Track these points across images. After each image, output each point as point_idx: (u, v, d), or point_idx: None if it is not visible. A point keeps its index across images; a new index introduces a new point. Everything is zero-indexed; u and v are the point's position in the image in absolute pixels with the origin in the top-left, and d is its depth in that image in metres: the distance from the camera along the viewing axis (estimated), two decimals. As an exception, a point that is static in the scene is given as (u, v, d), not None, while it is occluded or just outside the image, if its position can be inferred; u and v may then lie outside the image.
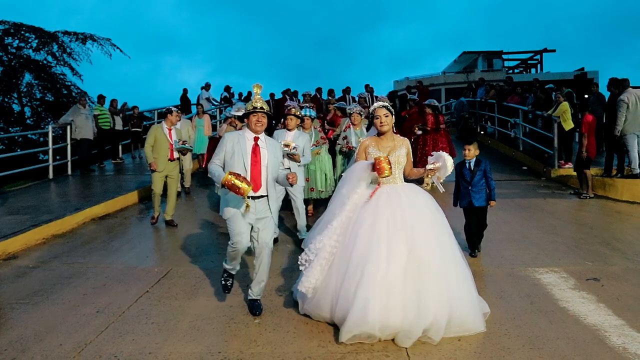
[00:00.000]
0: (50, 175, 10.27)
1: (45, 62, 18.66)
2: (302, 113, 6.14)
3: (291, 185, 3.72)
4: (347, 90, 14.46)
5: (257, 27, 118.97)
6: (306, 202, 6.39)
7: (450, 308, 3.26)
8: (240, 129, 4.25)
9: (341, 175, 4.42)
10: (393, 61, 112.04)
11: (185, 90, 16.26)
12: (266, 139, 3.80)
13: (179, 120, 8.08)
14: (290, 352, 3.18)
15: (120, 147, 12.69)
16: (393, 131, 3.82)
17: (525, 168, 10.86)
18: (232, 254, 3.68)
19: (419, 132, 9.21)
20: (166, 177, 6.70)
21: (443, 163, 3.68)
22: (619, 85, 8.28)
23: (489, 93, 14.19)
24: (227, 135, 3.77)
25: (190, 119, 10.46)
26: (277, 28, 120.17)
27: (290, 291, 4.15)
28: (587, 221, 6.69)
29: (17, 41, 18.20)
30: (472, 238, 5.18)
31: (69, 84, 19.28)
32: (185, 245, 5.88)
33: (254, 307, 3.79)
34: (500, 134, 13.63)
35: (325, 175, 6.77)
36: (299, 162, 5.51)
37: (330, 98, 12.69)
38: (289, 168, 5.50)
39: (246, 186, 3.34)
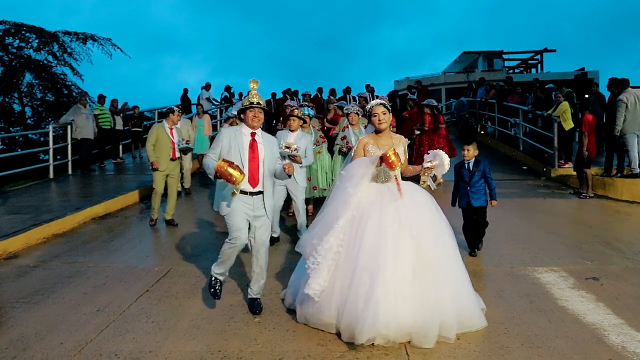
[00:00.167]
0: (51, 175, 10.30)
1: (45, 62, 18.71)
2: (303, 112, 6.15)
3: (289, 176, 3.69)
4: (347, 90, 14.49)
5: (257, 27, 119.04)
6: (306, 201, 6.40)
7: (456, 304, 3.30)
8: None
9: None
10: (393, 61, 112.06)
11: (185, 90, 16.29)
12: (263, 134, 3.79)
13: (180, 119, 8.11)
14: (290, 351, 3.18)
15: (120, 146, 12.71)
16: (390, 129, 3.81)
17: (525, 168, 10.88)
18: (228, 252, 3.62)
19: (417, 132, 9.23)
20: (167, 176, 6.71)
21: (440, 161, 3.68)
22: (618, 85, 8.30)
23: (489, 93, 14.21)
24: (223, 130, 3.77)
25: (191, 118, 10.47)
26: (277, 28, 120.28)
27: (281, 298, 4.03)
28: (587, 221, 6.70)
29: (17, 41, 18.26)
30: (471, 238, 5.18)
31: (70, 83, 19.36)
32: (185, 244, 5.90)
33: (254, 306, 3.80)
34: (500, 133, 13.65)
35: (326, 173, 6.80)
36: (301, 163, 5.51)
37: (331, 98, 12.71)
38: (291, 175, 5.51)
39: (239, 174, 3.31)
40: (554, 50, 25.65)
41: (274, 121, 14.82)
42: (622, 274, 4.59)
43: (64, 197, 8.47)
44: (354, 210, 3.44)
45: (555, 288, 4.23)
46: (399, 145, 3.72)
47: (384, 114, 3.61)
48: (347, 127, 6.96)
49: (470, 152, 5.14)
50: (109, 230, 6.65)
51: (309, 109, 6.79)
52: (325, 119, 9.06)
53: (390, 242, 3.28)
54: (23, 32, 18.18)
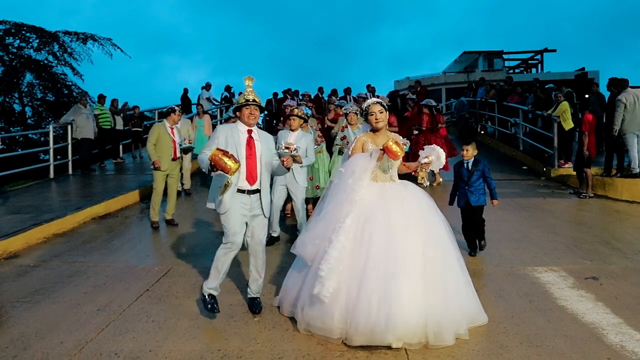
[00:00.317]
0: (51, 175, 10.31)
1: (46, 62, 18.73)
2: (303, 111, 6.14)
3: (287, 169, 3.66)
4: (347, 91, 14.53)
5: (257, 27, 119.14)
6: (307, 201, 6.41)
7: (462, 301, 3.33)
8: None
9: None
10: (393, 61, 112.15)
11: (185, 90, 16.29)
12: (258, 131, 3.77)
13: (180, 119, 8.12)
14: (290, 350, 3.19)
15: (120, 146, 12.73)
16: (386, 128, 3.76)
17: (525, 168, 10.88)
18: (223, 258, 3.59)
19: (415, 132, 9.24)
20: (167, 176, 6.72)
21: (436, 156, 3.66)
22: (618, 85, 8.31)
23: (489, 93, 14.22)
24: (220, 127, 3.75)
25: (191, 118, 10.48)
26: (278, 28, 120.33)
27: (277, 306, 3.86)
28: (587, 220, 6.70)
29: (18, 41, 18.28)
30: (471, 238, 5.19)
31: (70, 83, 19.38)
32: (185, 244, 5.91)
33: (254, 305, 3.81)
34: (500, 133, 13.66)
35: (326, 172, 6.80)
36: (301, 163, 5.51)
37: (332, 98, 12.74)
38: (290, 168, 5.50)
39: (233, 163, 3.25)
40: (554, 50, 25.66)
41: (274, 121, 14.84)
42: (622, 273, 4.59)
43: (64, 196, 8.48)
44: (359, 208, 3.35)
45: (555, 287, 4.24)
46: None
47: (381, 112, 3.57)
48: (347, 126, 6.96)
49: (470, 152, 5.15)
50: (109, 230, 6.66)
51: (307, 108, 6.80)
52: (326, 119, 9.07)
53: (400, 241, 3.23)
54: (23, 32, 18.20)
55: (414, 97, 11.17)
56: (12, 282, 4.64)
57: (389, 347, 3.11)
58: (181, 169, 7.72)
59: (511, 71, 25.53)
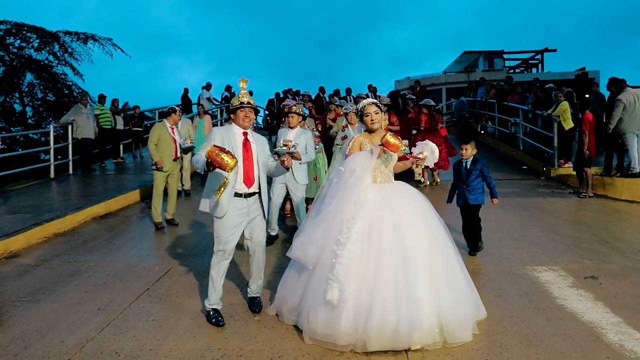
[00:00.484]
0: (52, 175, 10.32)
1: (46, 62, 18.74)
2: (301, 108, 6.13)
3: (287, 169, 3.63)
4: (348, 91, 14.55)
5: (257, 27, 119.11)
6: (307, 200, 6.41)
7: (467, 297, 3.37)
8: None
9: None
10: (394, 61, 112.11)
11: (186, 90, 16.31)
12: (253, 133, 3.74)
13: (180, 119, 8.11)
14: (289, 349, 3.20)
15: (121, 146, 12.74)
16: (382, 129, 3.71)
17: (525, 167, 10.89)
18: (216, 268, 3.57)
19: (414, 132, 9.26)
20: (167, 176, 6.73)
21: (429, 151, 3.63)
22: (618, 85, 8.34)
23: (489, 93, 14.22)
24: (215, 129, 3.69)
25: (191, 118, 10.50)
26: (278, 28, 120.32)
27: (275, 314, 3.71)
28: (586, 220, 6.71)
29: (18, 41, 18.29)
30: (470, 237, 5.20)
31: (70, 83, 19.39)
32: (185, 243, 5.92)
33: (254, 304, 3.82)
34: (500, 133, 13.66)
35: (326, 172, 6.82)
36: (300, 159, 5.50)
37: (335, 98, 12.78)
38: (289, 168, 5.50)
39: (231, 159, 3.15)
40: (555, 50, 25.60)
41: (274, 122, 14.85)
42: (621, 273, 4.60)
43: (64, 196, 8.49)
44: (364, 208, 3.29)
45: (554, 287, 4.25)
46: None
47: (377, 113, 3.52)
48: (347, 126, 6.98)
49: (468, 151, 5.15)
50: (110, 229, 6.67)
51: (304, 108, 6.81)
52: (328, 119, 9.08)
53: (408, 241, 3.21)
54: (24, 32, 18.21)
55: (414, 97, 11.19)
56: (12, 282, 4.65)
57: (407, 350, 3.08)
58: (181, 168, 7.73)
59: (511, 71, 25.51)
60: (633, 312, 3.68)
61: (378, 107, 3.57)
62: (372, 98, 12.79)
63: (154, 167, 6.60)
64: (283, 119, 6.31)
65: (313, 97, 13.84)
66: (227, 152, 3.19)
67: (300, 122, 5.77)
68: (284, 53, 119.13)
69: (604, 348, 3.16)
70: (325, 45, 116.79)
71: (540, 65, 25.89)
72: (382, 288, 3.07)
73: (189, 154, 8.54)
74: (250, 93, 18.71)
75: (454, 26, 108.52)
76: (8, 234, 5.78)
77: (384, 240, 3.19)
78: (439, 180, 9.25)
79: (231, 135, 3.61)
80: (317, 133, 7.04)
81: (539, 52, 25.79)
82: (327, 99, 13.55)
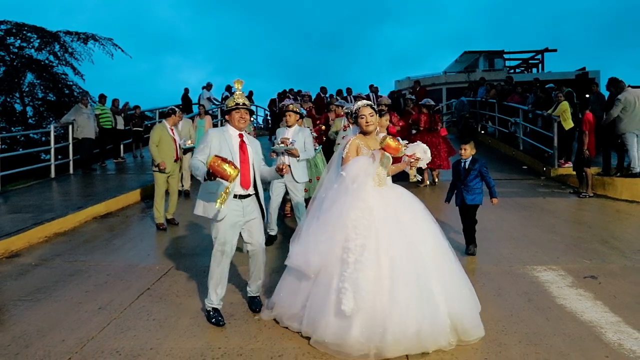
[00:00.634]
0: (52, 175, 10.34)
1: (47, 61, 18.75)
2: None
3: (282, 176, 3.60)
4: (349, 91, 14.56)
5: (258, 26, 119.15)
6: (307, 201, 6.42)
7: (469, 294, 3.37)
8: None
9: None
10: (395, 61, 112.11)
11: (186, 90, 16.32)
12: (248, 136, 3.71)
13: (181, 120, 8.12)
14: (290, 348, 3.21)
15: (121, 146, 12.75)
16: (377, 130, 3.68)
17: (525, 167, 10.90)
18: (216, 270, 3.55)
19: (414, 132, 9.27)
20: (168, 176, 6.74)
21: (421, 151, 3.60)
22: (617, 86, 8.37)
23: (489, 93, 14.23)
24: (210, 131, 3.64)
25: (192, 118, 10.51)
26: (279, 27, 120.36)
27: (275, 319, 3.59)
28: (586, 220, 6.72)
29: (19, 41, 18.30)
30: (469, 236, 5.20)
31: (71, 83, 19.39)
32: (186, 243, 5.93)
33: (254, 304, 3.83)
34: (500, 133, 13.67)
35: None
36: (298, 156, 5.50)
37: (337, 98, 12.81)
38: (289, 165, 5.51)
39: (233, 170, 3.11)
40: (555, 50, 25.59)
41: (276, 121, 14.85)
42: (621, 272, 4.61)
43: (65, 196, 8.51)
44: (370, 213, 3.23)
45: (554, 286, 4.26)
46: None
47: (371, 115, 3.46)
48: (348, 126, 6.98)
49: (467, 151, 5.14)
50: (110, 229, 6.68)
51: (302, 108, 6.84)
52: (330, 119, 9.09)
53: (417, 243, 3.20)
54: (24, 32, 18.22)
55: (413, 97, 11.20)
56: (13, 281, 4.67)
57: (423, 354, 3.06)
58: (180, 168, 7.74)
59: (512, 71, 25.51)
60: (632, 312, 3.69)
61: (373, 108, 3.50)
62: (373, 98, 12.85)
63: (156, 169, 6.59)
64: (283, 118, 6.31)
65: (313, 97, 13.85)
66: (229, 163, 3.15)
67: (297, 120, 5.78)
68: (285, 53, 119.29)
69: (603, 347, 3.17)
70: (327, 45, 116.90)
71: (540, 65, 25.89)
72: (398, 292, 3.01)
73: (189, 154, 8.56)
74: (251, 93, 18.77)
75: (456, 26, 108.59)
76: (9, 234, 5.80)
77: (394, 243, 3.14)
78: (437, 180, 9.26)
79: (227, 137, 3.57)
80: (314, 134, 7.04)
81: (539, 52, 25.78)
82: (328, 99, 13.57)
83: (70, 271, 4.90)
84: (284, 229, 6.41)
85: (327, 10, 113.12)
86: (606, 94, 9.81)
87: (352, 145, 3.46)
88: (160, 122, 7.59)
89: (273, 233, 5.78)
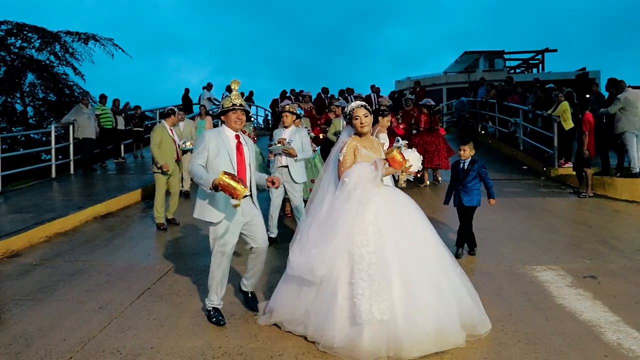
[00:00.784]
0: (53, 175, 10.35)
1: (47, 62, 18.75)
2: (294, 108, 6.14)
3: (268, 188, 3.58)
4: (349, 91, 14.57)
5: (259, 26, 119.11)
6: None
7: (471, 291, 3.41)
8: (243, 131, 4.04)
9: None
10: (396, 61, 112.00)
11: (187, 90, 16.33)
12: (243, 136, 3.69)
13: (181, 120, 8.15)
14: (290, 347, 3.22)
15: (122, 146, 12.76)
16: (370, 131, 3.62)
17: (525, 167, 10.91)
18: (216, 271, 3.55)
19: (414, 132, 9.27)
20: (169, 177, 6.76)
21: (413, 160, 3.58)
22: (617, 86, 8.38)
23: (489, 93, 14.24)
24: (207, 133, 3.59)
25: (192, 118, 10.52)
26: (280, 28, 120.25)
27: (277, 324, 3.51)
28: (586, 220, 6.72)
29: (19, 41, 18.31)
30: (468, 238, 5.20)
31: (71, 83, 19.39)
32: (186, 243, 5.95)
33: (250, 301, 3.82)
34: (500, 133, 13.68)
35: None
36: (296, 156, 5.51)
37: (339, 98, 12.82)
38: (287, 166, 5.51)
39: (242, 188, 3.12)
40: (555, 50, 25.60)
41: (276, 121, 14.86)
42: (620, 272, 4.62)
43: (66, 196, 8.52)
44: (375, 216, 3.22)
45: (553, 286, 4.27)
46: (381, 147, 3.64)
47: (366, 116, 3.40)
48: (348, 126, 6.98)
49: (467, 152, 5.11)
50: (111, 229, 6.70)
51: (299, 108, 6.85)
52: (330, 119, 9.11)
53: (422, 241, 3.22)
54: (25, 32, 18.24)
55: (412, 97, 11.21)
56: (14, 281, 4.68)
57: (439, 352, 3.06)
58: (180, 169, 7.75)
59: (512, 71, 25.51)
60: (631, 312, 3.70)
61: (367, 109, 3.45)
62: (375, 98, 12.82)
63: (158, 171, 6.59)
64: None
65: (314, 98, 13.86)
66: (238, 180, 3.15)
67: (294, 120, 5.79)
68: (286, 53, 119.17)
69: (603, 347, 3.18)
70: (328, 45, 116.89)
71: (540, 65, 25.90)
72: (415, 293, 3.02)
73: (189, 155, 8.57)
74: (251, 93, 18.77)
75: (456, 26, 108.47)
76: (10, 234, 5.81)
77: (401, 246, 3.14)
78: (440, 179, 9.27)
79: (224, 139, 3.55)
80: (312, 135, 7.05)
81: (539, 52, 25.79)
82: (329, 99, 13.58)
83: (71, 271, 4.91)
84: (284, 229, 6.42)
85: (327, 11, 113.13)
86: (606, 94, 9.81)
87: (349, 147, 3.40)
88: (159, 122, 7.60)
89: (273, 235, 5.75)
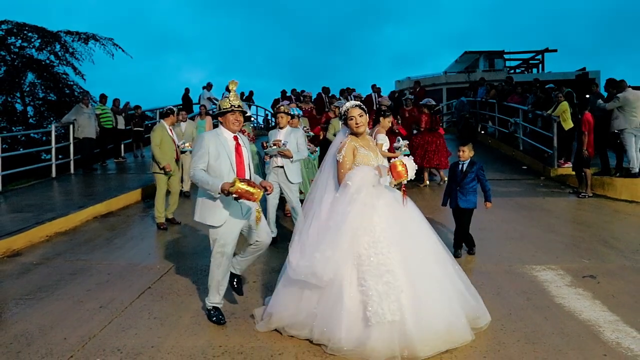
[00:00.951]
0: (53, 174, 10.36)
1: (47, 61, 18.74)
2: (289, 109, 6.14)
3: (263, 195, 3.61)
4: (349, 91, 14.58)
5: (259, 26, 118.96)
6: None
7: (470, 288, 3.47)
8: (243, 131, 4.00)
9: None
10: (396, 61, 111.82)
11: (187, 90, 16.34)
12: (240, 136, 3.69)
13: (183, 120, 8.15)
14: (290, 346, 3.23)
15: (122, 146, 12.77)
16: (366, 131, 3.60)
17: (525, 167, 10.92)
18: (216, 272, 3.55)
19: (414, 132, 9.29)
20: (169, 176, 6.77)
21: (410, 168, 3.42)
22: (616, 86, 8.40)
23: (489, 93, 14.25)
24: (205, 135, 3.56)
25: (192, 118, 10.52)
26: (280, 27, 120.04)
27: (278, 330, 3.43)
28: (586, 220, 6.73)
29: (19, 41, 18.30)
30: (468, 237, 5.21)
31: (72, 83, 19.37)
32: (186, 242, 5.96)
33: (240, 283, 3.78)
34: (500, 133, 13.69)
35: None
36: (291, 157, 5.51)
37: (340, 97, 12.83)
38: (282, 166, 5.51)
39: (258, 191, 3.14)
40: (555, 50, 25.58)
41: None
42: (619, 272, 4.63)
43: (66, 196, 8.53)
44: (378, 218, 3.21)
45: (553, 286, 4.28)
46: (377, 148, 3.64)
47: (361, 116, 3.38)
48: (343, 126, 6.98)
49: (466, 153, 5.09)
50: (111, 228, 6.71)
51: (297, 108, 6.86)
52: (330, 119, 9.12)
53: (423, 240, 3.26)
54: (25, 32, 18.23)
55: (412, 97, 11.23)
56: (15, 280, 4.69)
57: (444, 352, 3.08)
58: (181, 168, 7.77)
59: (512, 71, 25.52)
60: (630, 311, 3.71)
61: (362, 109, 3.43)
62: (375, 98, 12.81)
63: (161, 172, 6.60)
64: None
65: (314, 98, 13.87)
66: (253, 184, 3.16)
67: (290, 121, 5.79)
68: (286, 53, 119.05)
69: (601, 346, 3.19)
70: (329, 44, 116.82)
71: (540, 65, 25.89)
72: (424, 292, 3.04)
73: (189, 155, 8.58)
74: (251, 93, 18.78)
75: (456, 26, 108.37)
76: (10, 233, 5.82)
77: (406, 245, 3.16)
78: (445, 179, 9.27)
79: (223, 141, 3.53)
80: (311, 134, 7.04)
81: (539, 52, 25.79)
82: (328, 99, 13.58)
83: (72, 270, 4.92)
84: (283, 228, 6.43)
85: (328, 10, 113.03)
86: (605, 95, 9.81)
87: (348, 148, 3.36)
88: (159, 122, 7.61)
89: (273, 235, 5.75)
